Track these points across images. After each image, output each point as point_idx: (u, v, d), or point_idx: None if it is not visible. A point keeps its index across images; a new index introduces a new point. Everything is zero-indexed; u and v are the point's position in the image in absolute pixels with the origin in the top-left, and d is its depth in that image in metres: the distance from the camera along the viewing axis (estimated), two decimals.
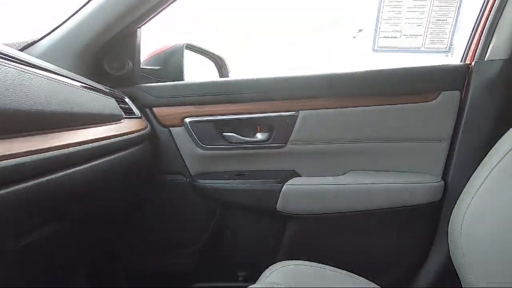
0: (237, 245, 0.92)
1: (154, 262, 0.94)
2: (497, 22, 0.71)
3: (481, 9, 0.76)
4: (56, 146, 0.40)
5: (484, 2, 0.74)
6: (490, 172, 0.55)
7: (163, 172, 0.85)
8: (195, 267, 0.91)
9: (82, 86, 0.57)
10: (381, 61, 0.84)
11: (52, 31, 0.75)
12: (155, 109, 0.82)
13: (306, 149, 0.80)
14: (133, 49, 0.80)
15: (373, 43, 0.79)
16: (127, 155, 0.62)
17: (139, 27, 0.79)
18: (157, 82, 0.88)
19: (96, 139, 0.50)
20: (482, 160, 0.62)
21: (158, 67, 0.96)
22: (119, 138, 0.58)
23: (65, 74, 0.54)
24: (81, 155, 0.45)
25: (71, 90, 0.51)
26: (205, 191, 0.83)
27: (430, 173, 0.79)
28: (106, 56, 0.79)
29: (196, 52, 1.10)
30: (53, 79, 0.47)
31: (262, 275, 0.65)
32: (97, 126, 0.54)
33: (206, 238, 0.89)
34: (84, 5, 0.73)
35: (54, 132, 0.43)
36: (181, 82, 0.91)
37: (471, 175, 0.63)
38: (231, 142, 0.81)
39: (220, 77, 1.19)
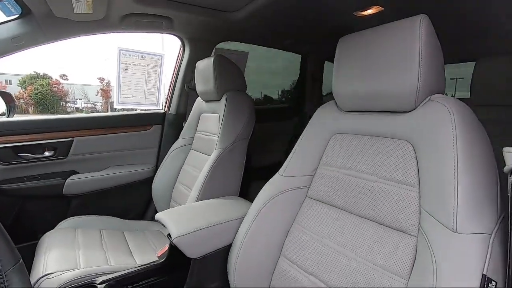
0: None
1: None
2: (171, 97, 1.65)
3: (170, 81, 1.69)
4: None
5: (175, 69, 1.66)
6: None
7: None
8: None
9: None
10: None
11: None
12: None
13: (81, 158, 1.44)
14: None
15: (115, 101, 1.54)
16: None
17: None
18: None
19: None
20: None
21: None
22: None
23: None
24: None
25: None
26: (9, 192, 1.28)
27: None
28: None
29: None
30: None
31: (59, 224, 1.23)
32: None
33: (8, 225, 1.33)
34: None
35: None
36: None
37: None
38: (24, 158, 1.31)
39: (9, 110, 1.54)
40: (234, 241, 0.86)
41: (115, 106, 1.54)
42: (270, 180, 0.89)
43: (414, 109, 0.64)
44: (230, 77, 1.29)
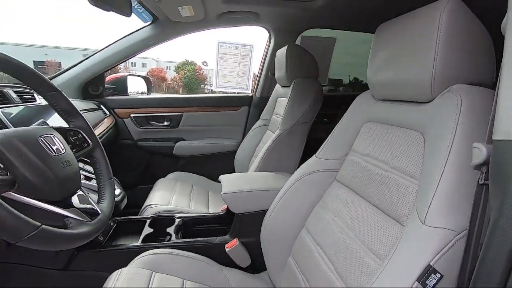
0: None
1: None
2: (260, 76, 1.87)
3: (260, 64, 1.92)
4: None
5: (263, 57, 1.88)
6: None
7: (120, 138, 1.82)
8: None
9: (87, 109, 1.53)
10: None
11: (58, 75, 1.63)
12: (115, 110, 1.78)
13: (186, 128, 1.87)
14: (103, 80, 1.74)
15: (214, 85, 1.88)
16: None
17: (107, 71, 1.72)
18: (113, 96, 1.83)
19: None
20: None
21: (113, 86, 1.89)
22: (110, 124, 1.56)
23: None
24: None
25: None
26: (143, 147, 1.84)
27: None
28: (90, 85, 1.70)
29: (134, 75, 2.05)
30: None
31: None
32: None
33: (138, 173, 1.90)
34: (79, 62, 1.64)
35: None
36: (126, 96, 1.87)
37: None
38: (152, 125, 1.83)
39: (148, 89, 2.15)
40: (269, 207, 1.01)
41: (213, 89, 1.89)
42: (308, 161, 0.98)
43: (431, 100, 0.61)
44: (300, 64, 1.38)
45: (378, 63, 0.75)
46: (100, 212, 0.67)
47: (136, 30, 1.61)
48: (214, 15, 1.52)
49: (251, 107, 1.91)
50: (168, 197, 1.44)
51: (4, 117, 0.85)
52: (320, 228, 0.84)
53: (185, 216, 1.23)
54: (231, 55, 1.81)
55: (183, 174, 1.77)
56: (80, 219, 0.58)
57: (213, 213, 1.28)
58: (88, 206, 0.66)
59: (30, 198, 0.51)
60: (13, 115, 0.94)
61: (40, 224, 0.46)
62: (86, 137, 0.76)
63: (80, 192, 0.66)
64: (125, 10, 1.01)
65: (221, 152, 1.90)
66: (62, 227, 0.52)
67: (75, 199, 0.64)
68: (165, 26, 1.57)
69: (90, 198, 0.68)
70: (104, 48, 1.63)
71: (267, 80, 1.84)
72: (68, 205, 0.59)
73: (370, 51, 0.79)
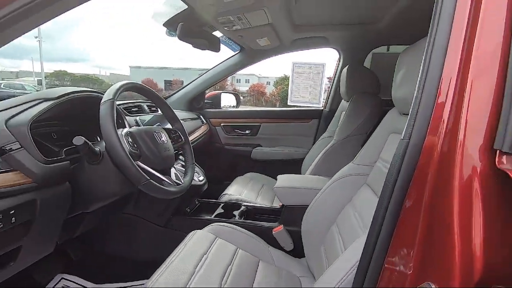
0: None
1: None
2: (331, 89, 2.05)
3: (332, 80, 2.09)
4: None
5: (333, 74, 2.06)
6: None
7: (212, 142, 2.30)
8: None
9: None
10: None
11: (175, 93, 2.22)
12: (211, 119, 2.27)
13: (263, 137, 2.20)
14: (204, 96, 2.25)
15: (289, 100, 2.15)
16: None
17: (207, 89, 2.23)
18: (210, 109, 2.33)
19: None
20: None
21: (210, 101, 2.40)
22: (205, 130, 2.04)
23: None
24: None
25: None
26: (228, 150, 2.27)
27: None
28: (194, 100, 2.24)
29: (227, 92, 2.54)
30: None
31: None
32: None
33: None
34: (188, 83, 2.19)
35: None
36: (219, 109, 2.35)
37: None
38: (236, 133, 2.24)
39: (237, 103, 2.60)
40: (310, 203, 1.20)
41: (288, 103, 2.17)
42: (345, 166, 1.13)
43: None
44: (358, 82, 1.51)
45: (399, 81, 0.87)
46: (182, 182, 1.03)
47: (228, 58, 2.05)
48: (287, 42, 1.81)
49: (321, 119, 2.10)
50: (241, 190, 1.77)
51: (140, 120, 1.36)
52: (346, 224, 0.99)
53: (249, 205, 1.53)
54: (305, 74, 2.06)
55: (257, 175, 2.10)
56: (170, 183, 0.95)
57: (272, 206, 1.54)
58: (176, 179, 1.03)
59: (147, 166, 0.90)
60: (145, 120, 1.45)
61: (149, 178, 0.83)
62: (181, 135, 1.15)
63: (174, 170, 1.04)
64: (216, 48, 1.41)
65: (290, 159, 2.14)
66: (160, 184, 0.89)
67: (171, 172, 1.02)
68: (249, 53, 1.96)
69: (179, 174, 1.06)
70: (205, 73, 2.14)
71: (337, 95, 1.99)
72: (165, 173, 0.96)
73: (395, 71, 0.91)
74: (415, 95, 0.46)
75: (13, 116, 0.79)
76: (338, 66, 1.96)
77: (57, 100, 0.88)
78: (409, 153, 0.44)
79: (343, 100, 1.82)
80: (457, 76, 0.41)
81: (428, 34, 0.46)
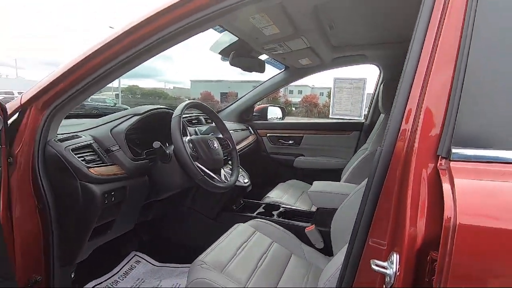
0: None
1: None
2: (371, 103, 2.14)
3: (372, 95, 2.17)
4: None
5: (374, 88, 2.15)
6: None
7: (259, 151, 2.54)
8: None
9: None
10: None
11: (228, 106, 2.53)
12: (258, 130, 2.52)
13: (305, 147, 2.36)
14: (252, 109, 2.52)
15: (331, 112, 2.28)
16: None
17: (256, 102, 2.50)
18: (258, 120, 2.59)
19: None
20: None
21: (258, 114, 2.66)
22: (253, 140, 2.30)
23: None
24: None
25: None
26: (273, 159, 2.49)
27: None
28: (243, 113, 2.52)
29: (273, 106, 2.78)
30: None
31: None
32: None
33: None
34: (240, 98, 2.49)
35: None
36: (266, 121, 2.59)
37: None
38: (281, 143, 2.44)
39: (282, 115, 2.81)
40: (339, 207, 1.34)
41: (330, 116, 2.30)
42: None
43: None
44: (393, 97, 1.59)
45: None
46: (229, 181, 1.27)
47: (276, 75, 2.29)
48: (328, 60, 1.98)
49: (362, 132, 2.18)
50: (282, 195, 1.96)
51: (198, 130, 1.66)
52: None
53: (288, 207, 1.71)
54: (346, 88, 2.18)
55: (298, 182, 2.26)
56: (220, 180, 1.20)
57: (307, 209, 1.70)
58: (224, 179, 1.28)
59: (203, 166, 1.16)
60: (202, 130, 1.75)
61: (203, 175, 1.09)
62: (229, 143, 1.41)
63: (223, 172, 1.29)
64: (261, 70, 1.66)
65: (330, 169, 2.26)
66: (212, 181, 1.14)
67: (221, 172, 1.28)
68: (293, 71, 2.17)
69: (227, 175, 1.31)
70: (255, 88, 2.41)
71: (377, 108, 2.07)
72: (216, 173, 1.22)
73: None
74: (390, 115, 0.62)
75: (115, 127, 1.12)
76: (378, 81, 2.05)
77: (143, 115, 1.21)
78: (383, 157, 0.60)
79: (381, 114, 1.90)
80: (418, 101, 0.56)
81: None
